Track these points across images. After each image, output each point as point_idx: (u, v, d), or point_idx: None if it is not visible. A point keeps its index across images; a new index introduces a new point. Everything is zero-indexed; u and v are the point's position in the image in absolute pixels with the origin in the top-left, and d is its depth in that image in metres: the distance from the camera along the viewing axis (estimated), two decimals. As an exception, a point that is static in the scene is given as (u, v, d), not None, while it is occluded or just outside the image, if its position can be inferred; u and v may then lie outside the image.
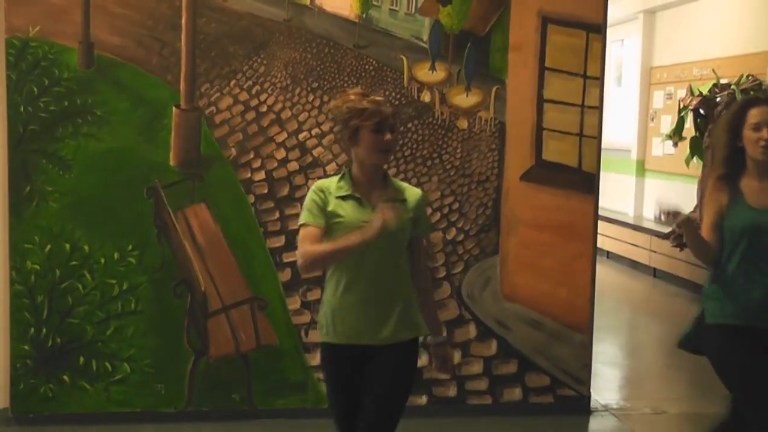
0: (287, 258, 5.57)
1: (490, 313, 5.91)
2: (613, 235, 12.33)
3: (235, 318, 5.57)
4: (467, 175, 5.83)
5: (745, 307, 3.92)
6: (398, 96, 5.73)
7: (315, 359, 5.48)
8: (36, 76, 5.36)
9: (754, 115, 3.86)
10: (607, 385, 6.89)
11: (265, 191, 5.56)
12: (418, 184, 5.72)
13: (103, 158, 5.46)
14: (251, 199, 5.56)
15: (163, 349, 5.52)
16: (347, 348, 3.60)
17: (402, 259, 3.65)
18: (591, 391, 6.15)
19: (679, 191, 11.30)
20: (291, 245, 5.48)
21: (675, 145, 10.83)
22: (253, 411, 5.59)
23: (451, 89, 5.79)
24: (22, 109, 5.37)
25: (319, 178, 5.57)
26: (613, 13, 7.42)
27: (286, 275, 5.61)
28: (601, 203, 6.20)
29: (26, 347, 5.48)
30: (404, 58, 5.73)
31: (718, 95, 9.72)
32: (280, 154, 5.61)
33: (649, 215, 12.58)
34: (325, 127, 5.68)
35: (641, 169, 12.99)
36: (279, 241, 5.60)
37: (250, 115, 5.55)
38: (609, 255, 12.42)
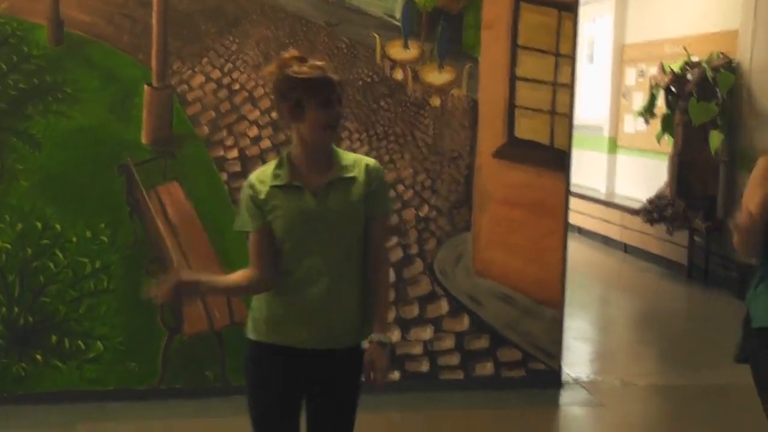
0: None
1: (463, 288, 5.93)
2: (585, 211, 12.37)
3: (208, 295, 5.54)
4: (440, 153, 5.84)
5: None
6: (371, 73, 5.74)
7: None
8: (4, 54, 5.30)
9: None
10: (578, 359, 6.94)
11: (238, 169, 5.51)
12: (390, 162, 5.80)
13: (74, 136, 5.42)
14: (224, 177, 5.53)
15: (136, 327, 5.49)
16: (286, 350, 3.09)
17: (355, 248, 3.10)
18: (562, 365, 6.19)
19: (650, 168, 11.41)
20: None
21: (647, 122, 10.86)
22: (227, 388, 5.53)
23: (424, 67, 5.79)
24: (-10, 87, 5.35)
25: (292, 155, 5.63)
26: None
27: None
28: (573, 180, 6.22)
29: (-2, 327, 5.48)
30: (377, 36, 5.73)
31: (689, 73, 9.80)
32: (253, 132, 5.58)
33: (620, 191, 12.67)
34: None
35: (613, 146, 13.03)
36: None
37: (223, 93, 5.52)
38: (581, 231, 12.48)
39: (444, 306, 5.91)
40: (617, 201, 12.11)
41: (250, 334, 3.14)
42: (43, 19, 5.32)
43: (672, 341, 7.86)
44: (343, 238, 3.06)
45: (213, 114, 5.52)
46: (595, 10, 13.47)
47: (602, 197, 12.57)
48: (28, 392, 5.46)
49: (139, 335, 5.50)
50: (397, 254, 5.82)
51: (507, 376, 6.00)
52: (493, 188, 5.90)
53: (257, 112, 5.57)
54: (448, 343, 5.93)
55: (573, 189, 6.26)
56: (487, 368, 5.97)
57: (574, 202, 9.51)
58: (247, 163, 5.52)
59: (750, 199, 3.31)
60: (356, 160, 3.12)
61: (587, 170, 12.94)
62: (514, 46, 5.83)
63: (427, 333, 5.89)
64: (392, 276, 5.76)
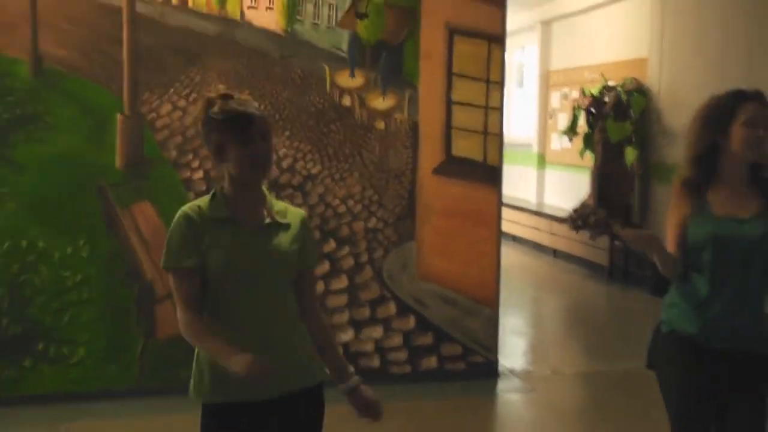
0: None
1: (408, 291, 5.92)
2: (518, 220, 12.34)
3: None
4: (385, 170, 5.83)
5: (704, 321, 3.06)
6: (321, 100, 5.72)
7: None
8: None
9: (748, 109, 3.02)
10: (512, 351, 6.94)
11: (204, 188, 5.48)
12: (341, 179, 5.76)
13: (54, 162, 5.35)
14: (191, 196, 5.45)
15: (114, 333, 5.43)
16: (232, 408, 2.59)
17: (288, 293, 2.67)
18: (498, 357, 6.19)
19: (575, 180, 11.42)
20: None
21: (570, 140, 10.92)
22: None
23: (369, 94, 5.79)
24: (-25, 117, 5.28)
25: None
26: (514, 23, 7.43)
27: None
28: (506, 192, 6.21)
29: (-11, 336, 5.43)
30: (326, 67, 5.72)
31: (606, 96, 9.87)
32: (216, 154, 5.54)
33: (549, 202, 12.63)
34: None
35: (542, 161, 12.97)
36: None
37: (188, 120, 5.46)
38: (515, 238, 12.43)
39: (392, 308, 5.90)
40: (546, 210, 12.07)
41: (196, 396, 2.64)
42: (24, 54, 5.27)
43: (595, 334, 7.87)
44: (279, 281, 2.63)
45: (180, 139, 5.48)
46: (524, 39, 13.42)
47: (533, 207, 12.51)
48: (18, 394, 5.39)
49: (118, 341, 5.43)
50: (348, 263, 5.80)
51: (449, 369, 5.99)
52: (434, 201, 5.89)
53: (220, 137, 5.55)
54: (397, 340, 5.92)
55: (506, 201, 6.24)
56: (431, 362, 5.97)
57: (507, 213, 9.57)
58: (211, 183, 5.46)
59: (667, 226, 3.17)
60: (287, 208, 2.72)
61: (519, 183, 12.92)
62: (450, 74, 5.83)
63: (378, 332, 5.87)
64: (344, 282, 5.81)
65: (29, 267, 5.37)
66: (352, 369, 2.84)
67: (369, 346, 5.90)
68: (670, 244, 3.11)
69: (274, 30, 5.66)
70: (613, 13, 10.74)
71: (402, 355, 5.95)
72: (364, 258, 5.85)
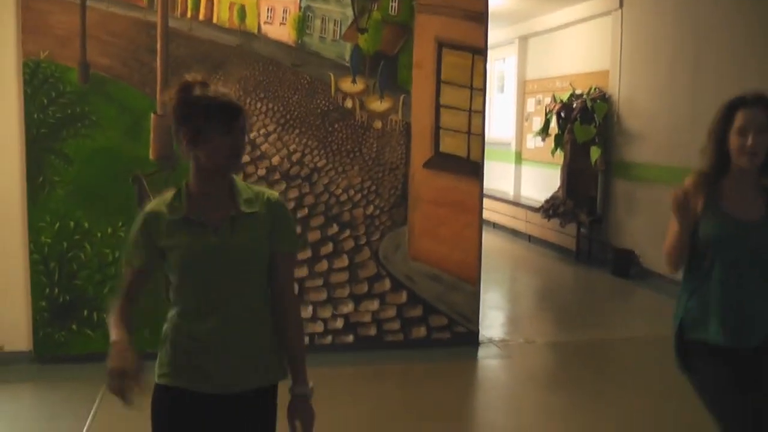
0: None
1: (401, 270, 5.94)
2: (497, 209, 12.26)
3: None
4: (382, 164, 5.84)
5: (722, 324, 2.83)
6: (327, 103, 5.71)
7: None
8: (45, 90, 5.35)
9: (740, 117, 2.77)
10: (492, 323, 6.92)
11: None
12: (343, 171, 5.73)
13: (97, 154, 5.43)
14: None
15: (148, 301, 5.41)
16: (187, 394, 2.30)
17: (258, 286, 2.33)
18: (479, 328, 6.20)
19: (547, 175, 11.32)
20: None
21: (543, 140, 10.86)
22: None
23: (368, 98, 5.80)
24: (35, 116, 5.35)
25: (267, 168, 5.58)
26: (495, 38, 7.39)
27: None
28: (487, 185, 6.09)
29: (43, 303, 5.48)
30: (331, 74, 5.74)
31: (574, 102, 9.83)
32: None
33: (525, 194, 12.46)
34: (270, 128, 5.64)
35: (519, 158, 12.82)
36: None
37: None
38: (495, 225, 12.32)
39: (387, 284, 5.91)
40: (522, 201, 11.97)
41: (156, 377, 2.35)
42: (74, 63, 5.37)
43: (563, 309, 7.84)
44: (242, 276, 2.30)
45: (205, 135, 5.56)
46: (504, 52, 13.21)
47: (510, 198, 12.42)
48: (66, 353, 5.49)
49: (150, 308, 5.38)
50: (349, 244, 5.80)
51: (436, 338, 6.00)
52: (424, 191, 5.90)
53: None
54: (391, 312, 5.94)
55: (487, 192, 5.96)
56: (421, 332, 5.99)
57: (488, 203, 9.38)
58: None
59: (668, 232, 2.93)
60: (258, 194, 2.35)
61: (498, 177, 12.81)
62: (438, 82, 5.84)
63: (374, 305, 5.89)
64: (346, 262, 5.78)
65: (76, 244, 5.46)
66: (305, 381, 2.37)
67: (367, 317, 5.92)
68: (671, 256, 2.91)
69: (287, 42, 5.68)
70: (581, 31, 10.63)
71: (395, 325, 5.97)
72: (363, 240, 5.87)
